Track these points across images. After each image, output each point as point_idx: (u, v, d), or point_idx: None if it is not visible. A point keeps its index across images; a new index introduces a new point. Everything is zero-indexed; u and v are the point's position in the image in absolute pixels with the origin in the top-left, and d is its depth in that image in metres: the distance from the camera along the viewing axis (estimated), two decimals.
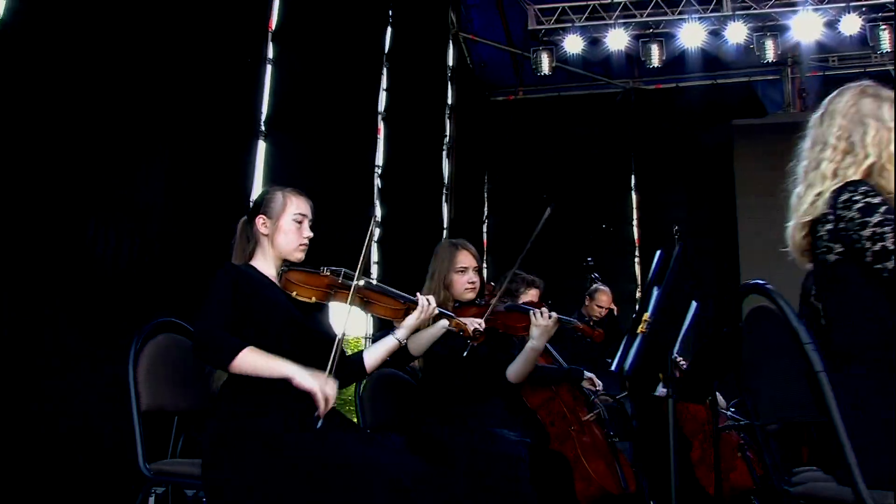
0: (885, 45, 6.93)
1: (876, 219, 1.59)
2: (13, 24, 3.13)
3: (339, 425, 2.26)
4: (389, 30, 7.01)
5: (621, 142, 9.05)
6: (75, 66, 3.41)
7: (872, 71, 7.76)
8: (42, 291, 3.17)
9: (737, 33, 7.33)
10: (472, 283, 2.93)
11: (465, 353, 2.61)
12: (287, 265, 2.32)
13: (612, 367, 2.01)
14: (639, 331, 1.96)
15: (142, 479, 2.23)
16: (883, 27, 6.86)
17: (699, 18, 7.35)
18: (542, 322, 2.80)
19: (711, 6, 7.42)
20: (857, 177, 1.71)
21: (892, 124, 1.71)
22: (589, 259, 5.04)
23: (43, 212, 3.21)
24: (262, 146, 4.81)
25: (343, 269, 2.30)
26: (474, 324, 2.60)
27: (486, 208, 9.26)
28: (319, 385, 2.05)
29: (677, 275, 2.04)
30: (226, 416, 2.12)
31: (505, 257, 7.73)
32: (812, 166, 1.78)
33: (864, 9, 6.95)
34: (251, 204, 2.50)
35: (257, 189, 4.66)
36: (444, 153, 8.31)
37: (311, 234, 2.35)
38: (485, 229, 9.15)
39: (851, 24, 6.93)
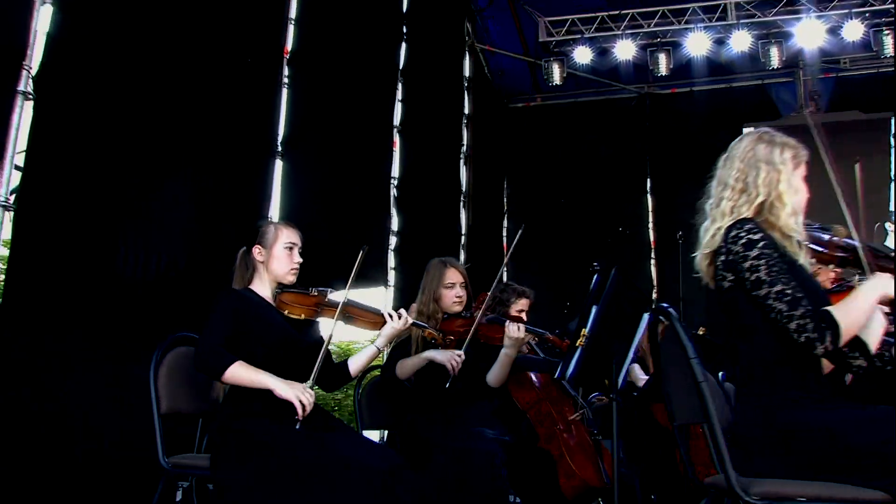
0: (888, 49, 6.99)
1: (754, 253, 1.87)
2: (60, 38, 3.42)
3: (330, 426, 2.58)
4: (404, 46, 7.13)
5: (637, 146, 9.15)
6: (109, 97, 3.68)
7: (884, 72, 7.82)
8: (77, 304, 3.45)
9: (741, 41, 7.41)
10: (459, 297, 3.26)
11: (447, 385, 3.02)
12: (280, 287, 2.66)
13: (556, 375, 2.30)
14: (578, 343, 2.25)
15: (161, 471, 2.60)
16: (886, 32, 6.93)
17: (704, 28, 7.47)
18: (513, 334, 3.12)
19: (717, 15, 7.52)
20: (749, 214, 1.99)
21: (782, 167, 1.98)
22: (595, 264, 5.26)
23: (77, 231, 3.50)
24: (279, 165, 5.08)
25: (328, 289, 2.64)
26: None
27: (505, 213, 9.50)
28: (296, 394, 2.38)
29: (616, 293, 2.31)
30: (228, 418, 2.46)
31: (524, 261, 7.93)
32: (715, 203, 2.06)
33: (866, 14, 7.02)
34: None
35: (275, 207, 4.94)
36: (462, 161, 8.51)
37: (301, 260, 2.67)
38: (504, 234, 9.39)
39: (854, 30, 7.01)
